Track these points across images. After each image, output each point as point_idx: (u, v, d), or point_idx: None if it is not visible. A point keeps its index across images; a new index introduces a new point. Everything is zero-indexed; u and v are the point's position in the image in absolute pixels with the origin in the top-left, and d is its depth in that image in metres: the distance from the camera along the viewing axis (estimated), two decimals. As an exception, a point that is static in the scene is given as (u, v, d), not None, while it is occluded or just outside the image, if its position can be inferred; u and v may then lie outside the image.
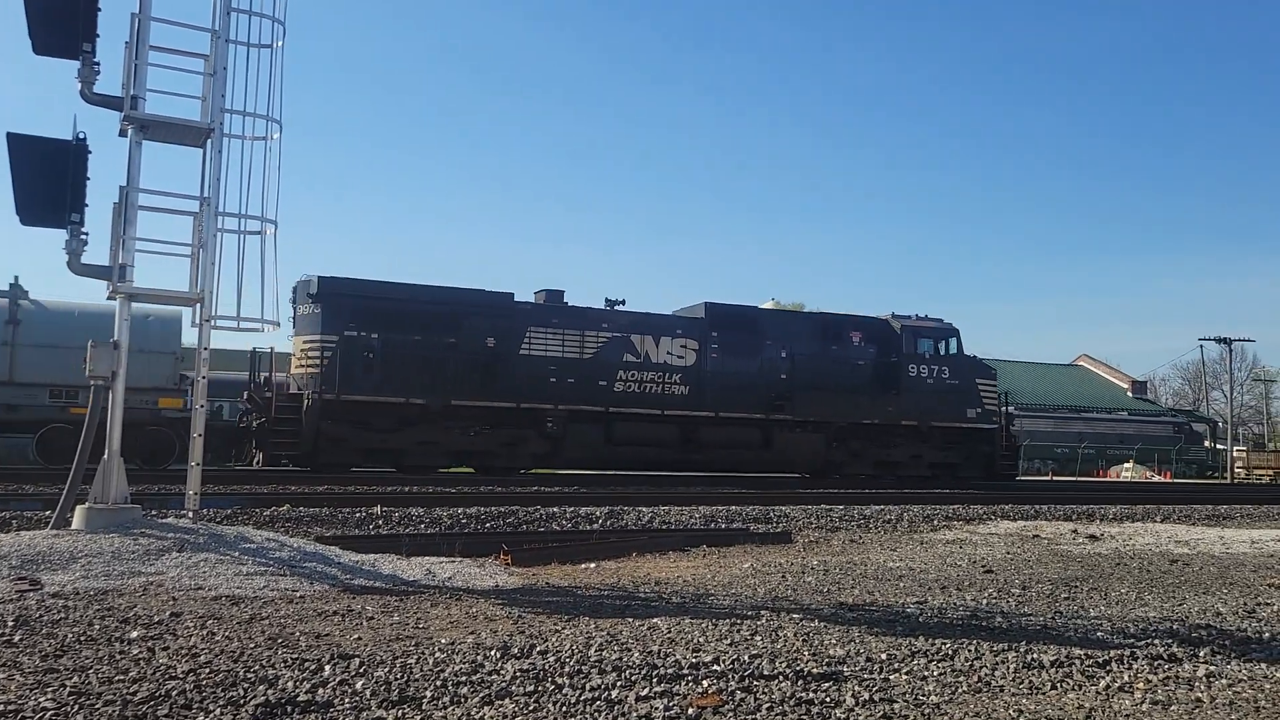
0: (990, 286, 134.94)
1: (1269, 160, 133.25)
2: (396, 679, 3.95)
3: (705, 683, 4.08)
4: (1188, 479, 48.57)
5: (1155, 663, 4.80)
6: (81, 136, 7.62)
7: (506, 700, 3.75)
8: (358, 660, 4.24)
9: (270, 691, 3.70)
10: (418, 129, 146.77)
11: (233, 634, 4.78)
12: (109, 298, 7.92)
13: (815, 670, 4.33)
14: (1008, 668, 4.58)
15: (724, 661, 4.42)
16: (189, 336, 20.45)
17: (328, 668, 4.09)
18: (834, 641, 5.01)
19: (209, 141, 8.00)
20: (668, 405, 22.80)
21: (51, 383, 18.72)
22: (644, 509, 13.20)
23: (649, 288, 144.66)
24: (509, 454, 21.45)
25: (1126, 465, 52.28)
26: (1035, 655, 4.82)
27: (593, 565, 8.57)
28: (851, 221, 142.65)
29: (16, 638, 4.53)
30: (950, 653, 4.83)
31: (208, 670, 3.99)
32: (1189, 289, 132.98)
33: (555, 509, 12.61)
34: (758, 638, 5.07)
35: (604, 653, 4.54)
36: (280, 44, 8.17)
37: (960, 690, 4.17)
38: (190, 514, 8.06)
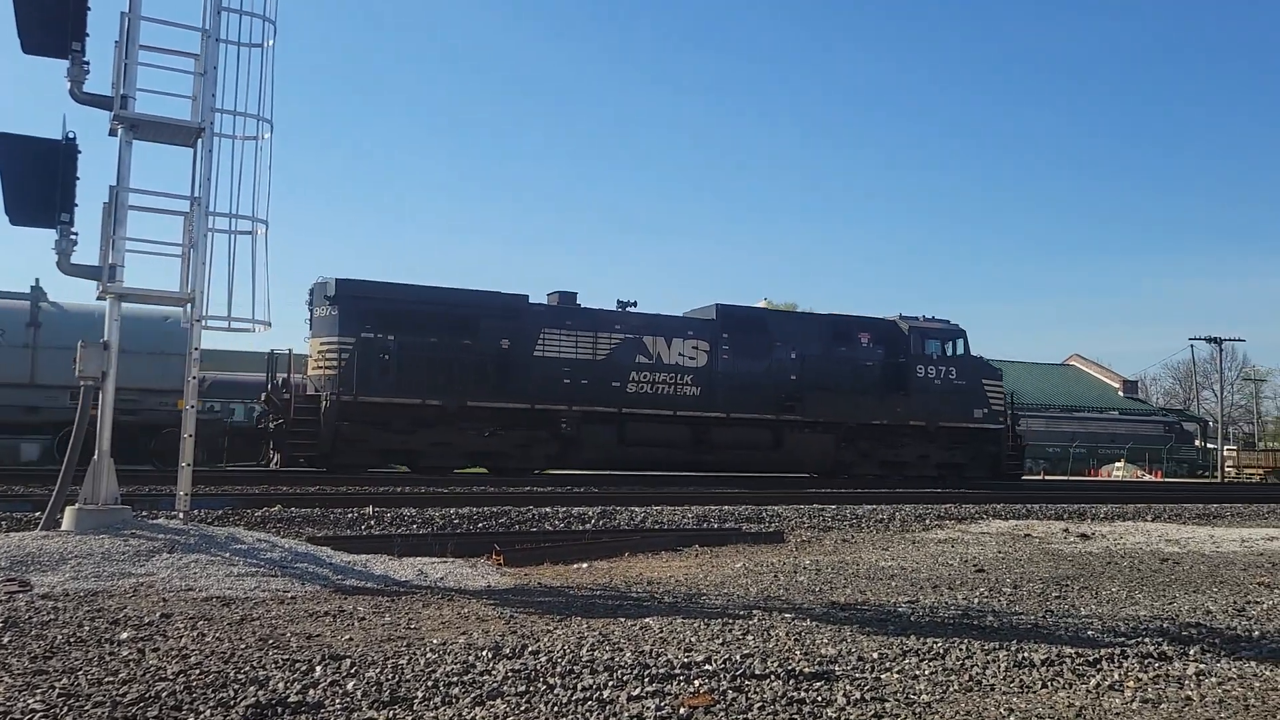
0: (985, 286, 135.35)
1: (1266, 160, 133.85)
2: (388, 680, 3.95)
3: (697, 682, 4.09)
4: (1178, 478, 48.70)
5: (1145, 661, 4.82)
6: (71, 136, 7.60)
7: (498, 700, 3.75)
8: (349, 661, 4.23)
9: (261, 692, 3.69)
10: (420, 133, 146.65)
11: (223, 635, 4.77)
12: (99, 298, 7.90)
13: (807, 669, 4.34)
14: (999, 666, 4.59)
15: (716, 661, 4.42)
16: (207, 339, 20.58)
17: (319, 668, 4.08)
18: (826, 641, 5.02)
19: (199, 141, 7.98)
20: (679, 406, 22.93)
21: (72, 385, 18.78)
22: (637, 509, 13.19)
23: (649, 288, 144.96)
24: (522, 455, 21.57)
25: (1118, 464, 52.47)
26: (1026, 654, 4.83)
27: (585, 565, 8.57)
28: (853, 221, 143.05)
29: (5, 639, 4.50)
30: (942, 652, 4.84)
31: (198, 671, 3.97)
32: (1180, 289, 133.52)
33: (548, 509, 12.60)
34: (750, 637, 5.07)
35: (596, 653, 4.54)
36: (271, 43, 8.15)
37: (951, 689, 4.18)
38: (181, 515, 8.04)
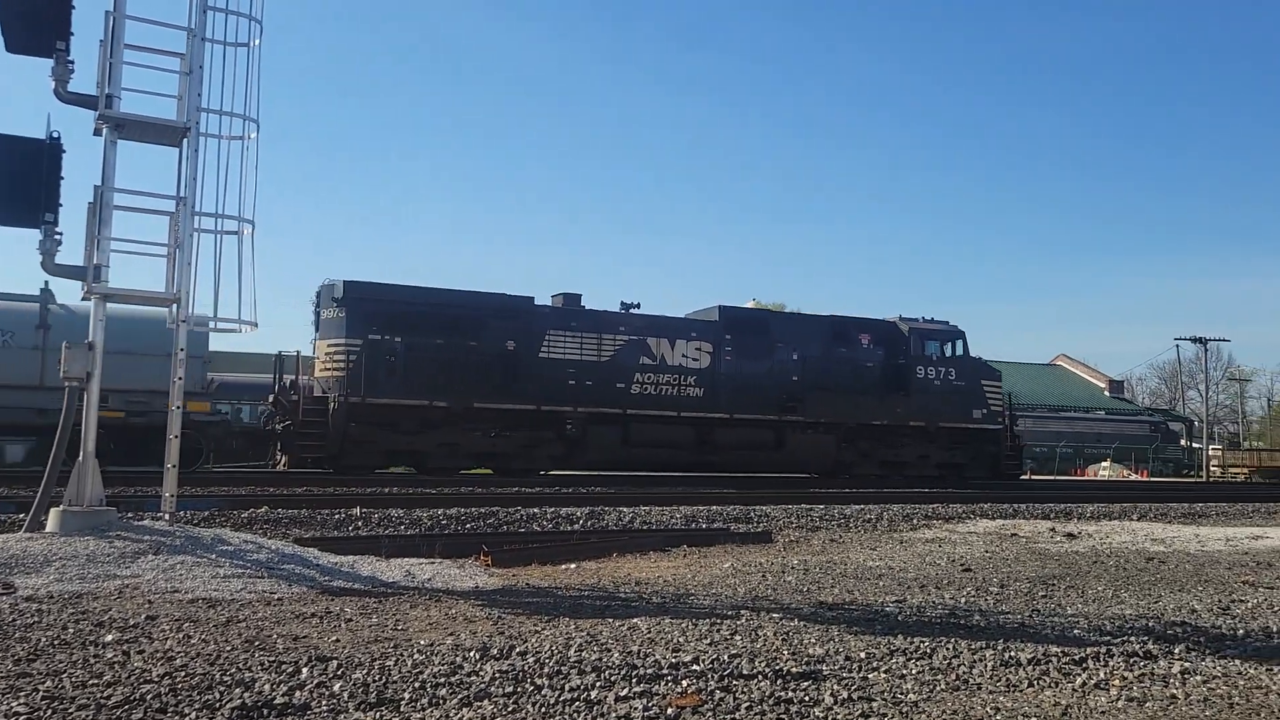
0: (974, 287, 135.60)
1: (1264, 161, 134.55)
2: (375, 681, 3.94)
3: (685, 682, 4.09)
4: (1164, 477, 48.96)
5: (1131, 660, 4.84)
6: (55, 135, 7.56)
7: (485, 701, 3.74)
8: (336, 662, 4.22)
9: (247, 695, 3.67)
10: (422, 135, 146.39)
11: (209, 637, 4.75)
12: (84, 298, 7.85)
13: (794, 669, 4.34)
14: (985, 666, 4.60)
15: (704, 661, 4.43)
16: (214, 341, 20.78)
17: (305, 670, 4.07)
18: (813, 640, 5.03)
19: (185, 141, 7.94)
20: (683, 407, 23.07)
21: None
22: (625, 509, 13.18)
23: (650, 289, 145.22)
24: (528, 456, 21.68)
25: (1104, 464, 52.72)
26: (1013, 653, 4.85)
27: (573, 566, 8.56)
28: (855, 222, 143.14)
29: (-11, 642, 4.48)
30: (929, 651, 4.85)
31: (183, 674, 3.95)
32: (1166, 290, 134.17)
33: (536, 509, 12.58)
34: (737, 637, 5.08)
35: (584, 653, 4.54)
36: (257, 43, 8.12)
37: (938, 688, 4.19)
38: (166, 516, 7.99)
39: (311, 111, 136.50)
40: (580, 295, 23.48)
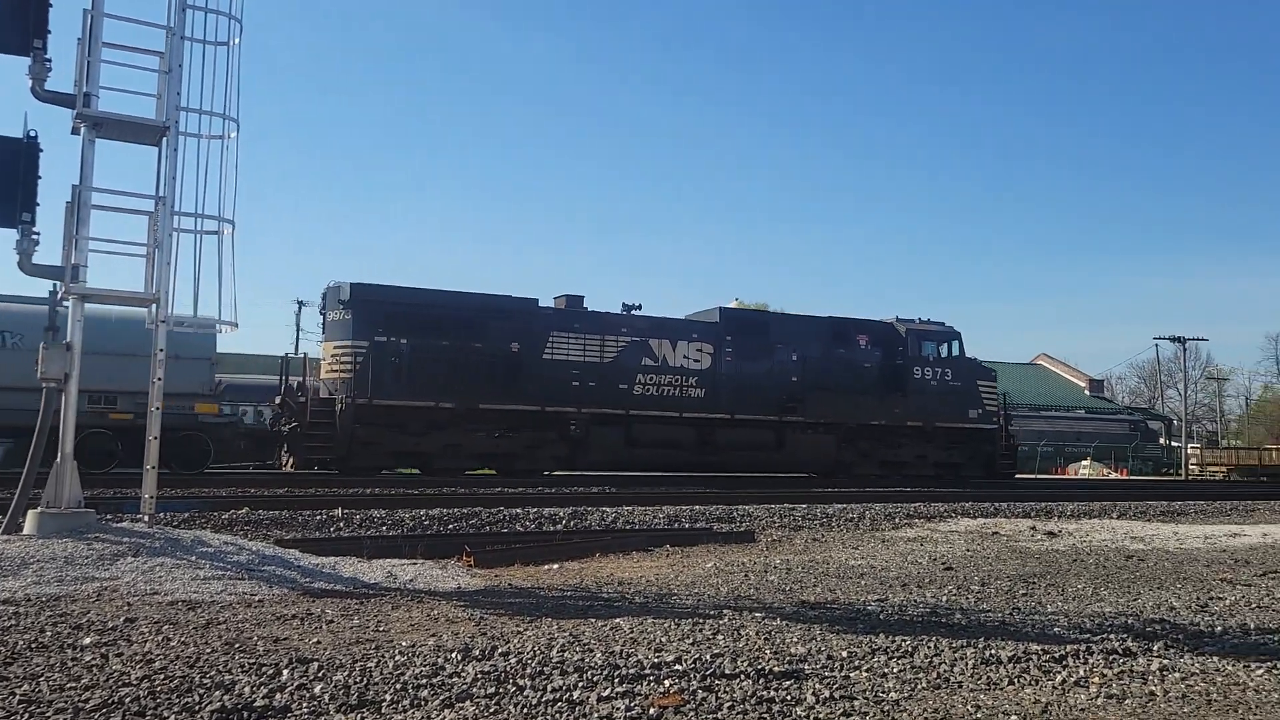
0: (959, 286, 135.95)
1: (1246, 161, 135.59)
2: (356, 683, 3.92)
3: (667, 682, 4.09)
4: (1143, 476, 49.30)
5: (1110, 657, 4.87)
6: (33, 134, 7.49)
7: (467, 703, 3.73)
8: (316, 664, 4.20)
9: (226, 697, 3.65)
10: (425, 138, 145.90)
11: (188, 639, 4.71)
12: (61, 299, 7.79)
13: (777, 668, 4.35)
14: (966, 664, 4.62)
15: (686, 661, 4.43)
16: (222, 343, 20.72)
17: (286, 672, 4.04)
18: (796, 640, 5.04)
19: (164, 140, 7.89)
20: (685, 408, 23.21)
21: (90, 389, 18.67)
22: (608, 509, 13.18)
23: (650, 290, 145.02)
24: (531, 456, 21.77)
25: (1084, 463, 53.05)
26: (993, 651, 4.87)
27: (556, 566, 8.55)
28: (856, 223, 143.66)
29: (-35, 646, 4.43)
30: (910, 650, 4.87)
31: (162, 676, 3.92)
32: (1145, 289, 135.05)
33: (519, 510, 12.56)
34: (720, 637, 5.08)
35: (566, 654, 4.53)
36: (237, 41, 8.07)
37: (920, 687, 4.21)
38: (146, 518, 7.93)
39: (313, 111, 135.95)
40: (583, 297, 23.67)
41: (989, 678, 4.41)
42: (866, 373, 25.69)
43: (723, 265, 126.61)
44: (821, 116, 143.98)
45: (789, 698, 3.94)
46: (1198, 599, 7.00)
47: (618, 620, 5.54)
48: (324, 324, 21.31)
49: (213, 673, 4.01)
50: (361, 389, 19.82)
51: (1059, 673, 4.53)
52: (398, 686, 3.88)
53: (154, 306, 7.83)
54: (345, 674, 4.05)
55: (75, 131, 7.66)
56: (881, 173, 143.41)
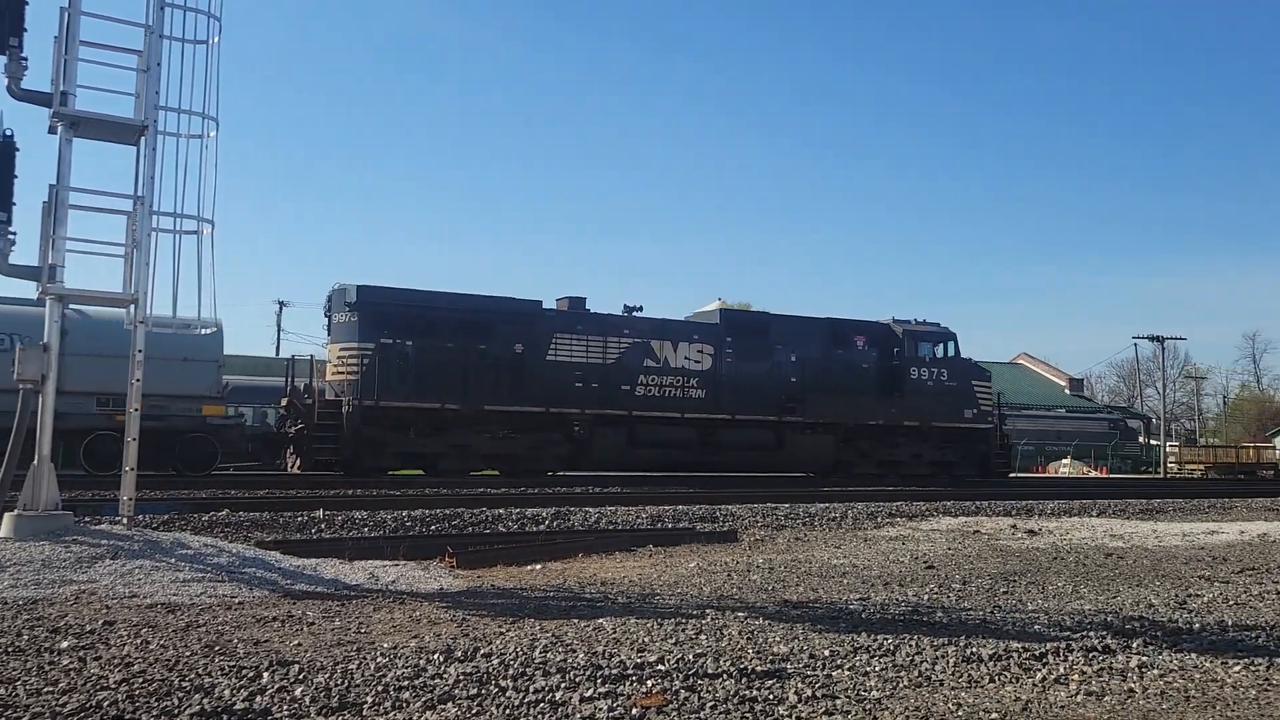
0: (943, 286, 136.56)
1: (1230, 161, 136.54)
2: (337, 685, 3.90)
3: (650, 682, 4.09)
4: (1123, 474, 49.68)
5: (1090, 654, 4.90)
6: (8, 133, 7.42)
7: (449, 704, 3.72)
8: (297, 667, 4.17)
9: (206, 700, 3.62)
10: (426, 140, 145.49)
11: (168, 642, 4.68)
12: (38, 299, 7.72)
13: (759, 668, 4.36)
14: (948, 662, 4.64)
15: (669, 661, 4.43)
16: (229, 345, 20.54)
17: (266, 675, 4.02)
18: (778, 639, 5.05)
19: (143, 139, 7.83)
20: (686, 408, 23.37)
21: (98, 391, 18.57)
22: (591, 509, 13.16)
23: (649, 291, 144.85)
24: (535, 457, 21.87)
25: (1065, 461, 53.42)
26: (974, 649, 4.89)
27: (539, 566, 8.53)
28: (858, 222, 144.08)
29: (-60, 650, 4.38)
30: (892, 648, 4.89)
31: (141, 680, 3.89)
32: (1124, 289, 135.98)
33: (501, 510, 12.53)
34: (702, 636, 5.08)
35: (549, 654, 4.52)
36: (216, 40, 8.03)
37: (901, 685, 4.23)
38: (125, 520, 7.88)
39: (311, 112, 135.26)
40: (585, 299, 23.77)
41: (970, 675, 4.43)
42: (864, 373, 25.93)
43: (722, 267, 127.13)
44: (820, 117, 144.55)
45: (772, 697, 3.95)
46: (1176, 596, 7.06)
47: (600, 620, 5.53)
48: (329, 326, 21.35)
49: (192, 676, 3.98)
50: (368, 390, 19.92)
51: (1039, 670, 4.56)
52: (379, 688, 3.87)
53: (132, 307, 7.76)
54: (327, 676, 4.03)
55: (52, 130, 7.60)
56: (881, 173, 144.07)
